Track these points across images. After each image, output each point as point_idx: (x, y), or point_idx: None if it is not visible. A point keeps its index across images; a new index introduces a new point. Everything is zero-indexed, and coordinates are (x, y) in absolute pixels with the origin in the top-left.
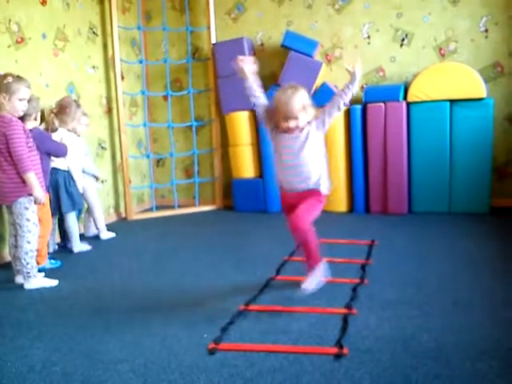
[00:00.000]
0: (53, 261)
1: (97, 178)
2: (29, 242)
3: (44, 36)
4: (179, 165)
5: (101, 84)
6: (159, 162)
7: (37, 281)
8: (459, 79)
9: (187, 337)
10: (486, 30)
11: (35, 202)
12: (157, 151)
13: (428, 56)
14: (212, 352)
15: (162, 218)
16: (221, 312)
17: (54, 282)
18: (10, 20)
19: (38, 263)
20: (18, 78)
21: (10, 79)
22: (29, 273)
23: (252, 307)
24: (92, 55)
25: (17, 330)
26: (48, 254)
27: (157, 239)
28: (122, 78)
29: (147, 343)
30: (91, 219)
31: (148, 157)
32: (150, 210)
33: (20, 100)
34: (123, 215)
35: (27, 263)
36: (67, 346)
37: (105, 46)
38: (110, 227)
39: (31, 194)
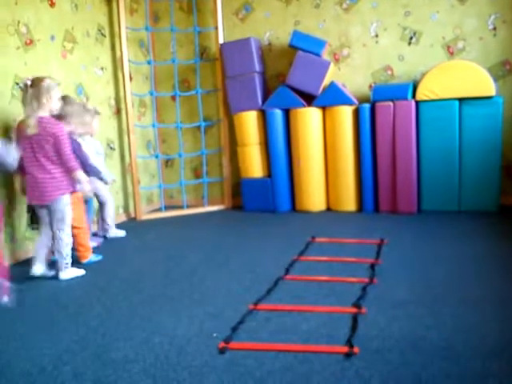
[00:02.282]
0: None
1: (105, 182)
2: (68, 235)
3: (53, 38)
4: (188, 165)
5: (109, 85)
6: (168, 163)
7: (72, 271)
8: (468, 77)
9: (197, 336)
10: (495, 28)
11: (85, 195)
12: (165, 151)
13: (436, 54)
14: (222, 351)
15: (170, 218)
16: (230, 311)
17: (81, 272)
18: (18, 22)
19: (85, 258)
20: (52, 79)
21: (48, 81)
22: (67, 263)
23: (261, 306)
24: (100, 56)
25: (28, 330)
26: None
27: (166, 239)
28: (131, 78)
29: (157, 342)
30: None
31: (157, 157)
32: (159, 210)
33: (58, 99)
34: (132, 215)
35: (66, 255)
36: (78, 345)
37: (113, 47)
38: (119, 227)
39: (71, 192)
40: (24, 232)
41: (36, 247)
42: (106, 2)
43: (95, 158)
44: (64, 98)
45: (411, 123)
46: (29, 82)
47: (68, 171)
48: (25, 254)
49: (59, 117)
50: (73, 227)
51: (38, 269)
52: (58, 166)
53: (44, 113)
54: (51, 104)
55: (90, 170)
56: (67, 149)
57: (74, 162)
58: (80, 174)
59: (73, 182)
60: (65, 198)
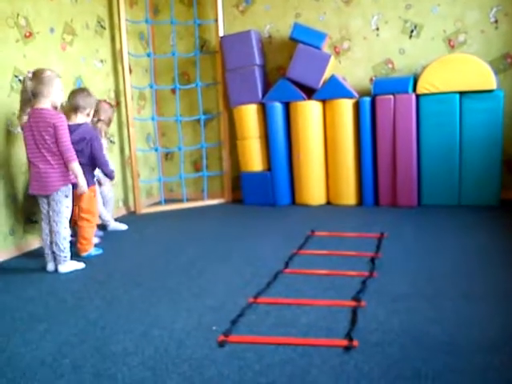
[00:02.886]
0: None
1: (99, 183)
2: (65, 228)
3: (52, 30)
4: (187, 158)
5: (109, 78)
6: (168, 156)
7: (70, 264)
8: (469, 71)
9: (196, 329)
10: (496, 21)
11: (78, 190)
12: (165, 145)
13: (437, 48)
14: (221, 344)
15: (170, 212)
16: (230, 304)
17: (81, 265)
18: (18, 14)
19: (85, 251)
20: (52, 71)
21: (48, 72)
22: (66, 257)
23: (261, 300)
24: (100, 49)
25: (27, 323)
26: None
27: (166, 232)
28: (130, 71)
29: (157, 335)
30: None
31: (156, 150)
32: (159, 203)
33: (60, 91)
34: (132, 209)
35: (64, 248)
36: (77, 338)
37: (112, 39)
38: (118, 221)
39: (72, 184)
40: (24, 225)
41: (44, 243)
42: None
43: None
44: (82, 90)
45: (411, 117)
46: (29, 75)
47: (65, 162)
48: (26, 246)
49: (75, 108)
50: (83, 219)
51: (51, 266)
52: (57, 156)
53: (44, 105)
54: (53, 96)
55: (102, 162)
56: (66, 139)
57: (71, 153)
58: (76, 166)
59: (90, 173)
60: (63, 189)
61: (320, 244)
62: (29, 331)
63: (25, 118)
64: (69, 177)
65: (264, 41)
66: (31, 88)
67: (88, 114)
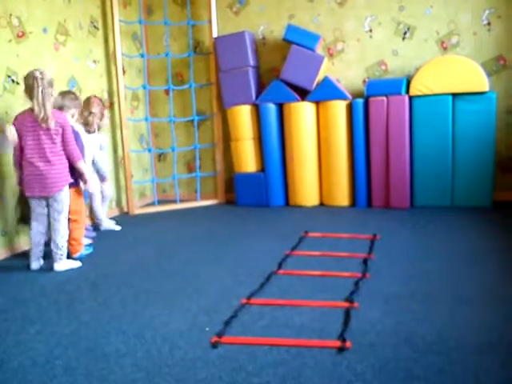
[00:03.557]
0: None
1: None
2: (65, 226)
3: (45, 30)
4: (181, 159)
5: (102, 78)
6: (161, 157)
7: (66, 262)
8: (462, 73)
9: (189, 330)
10: (489, 23)
11: (85, 187)
12: (158, 146)
13: (430, 49)
14: (215, 345)
15: (163, 213)
16: (223, 306)
17: (77, 264)
18: (10, 14)
19: (76, 251)
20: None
21: (49, 74)
22: (62, 255)
23: (254, 301)
24: (93, 49)
25: (19, 325)
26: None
27: (159, 233)
28: (124, 72)
29: (149, 336)
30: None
31: (150, 151)
32: (152, 204)
33: None
34: (125, 209)
35: (62, 246)
36: (70, 339)
37: (106, 40)
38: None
39: (74, 185)
40: (15, 225)
41: (32, 242)
42: None
43: (98, 153)
44: (70, 92)
45: (404, 118)
46: (39, 75)
47: (71, 161)
48: (18, 247)
49: (60, 107)
50: (71, 221)
51: (35, 264)
52: (60, 157)
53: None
54: (53, 96)
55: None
56: (73, 139)
57: (78, 153)
58: (82, 164)
59: (75, 173)
60: (65, 189)
61: (313, 245)
62: (21, 332)
63: (45, 115)
64: (69, 176)
65: (258, 42)
66: (43, 88)
67: (72, 115)
